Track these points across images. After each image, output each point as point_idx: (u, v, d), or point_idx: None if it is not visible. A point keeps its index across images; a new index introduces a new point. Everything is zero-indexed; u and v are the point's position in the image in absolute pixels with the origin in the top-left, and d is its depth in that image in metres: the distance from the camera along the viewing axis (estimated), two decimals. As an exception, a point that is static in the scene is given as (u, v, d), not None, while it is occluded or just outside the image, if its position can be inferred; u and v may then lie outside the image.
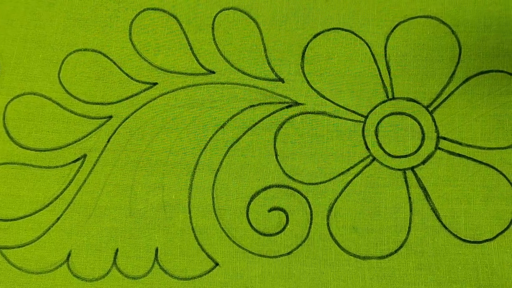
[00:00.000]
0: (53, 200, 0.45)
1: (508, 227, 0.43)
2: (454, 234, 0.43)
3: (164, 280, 0.43)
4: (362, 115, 0.45)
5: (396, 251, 0.43)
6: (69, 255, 0.44)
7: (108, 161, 0.45)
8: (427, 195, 0.44)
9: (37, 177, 0.45)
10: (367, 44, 0.46)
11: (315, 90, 0.46)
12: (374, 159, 0.44)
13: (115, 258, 0.44)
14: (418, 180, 0.44)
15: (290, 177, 0.44)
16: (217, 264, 0.44)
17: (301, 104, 0.45)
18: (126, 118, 0.46)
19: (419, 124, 0.45)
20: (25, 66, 0.47)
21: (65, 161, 0.45)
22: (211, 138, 0.45)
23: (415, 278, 0.43)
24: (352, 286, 0.43)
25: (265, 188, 0.44)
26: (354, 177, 0.44)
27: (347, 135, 0.45)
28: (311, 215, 0.44)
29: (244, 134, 0.45)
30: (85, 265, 0.44)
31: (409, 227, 0.43)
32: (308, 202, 0.44)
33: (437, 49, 0.46)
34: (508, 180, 0.43)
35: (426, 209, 0.43)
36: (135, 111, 0.46)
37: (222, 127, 0.45)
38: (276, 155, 0.45)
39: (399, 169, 0.44)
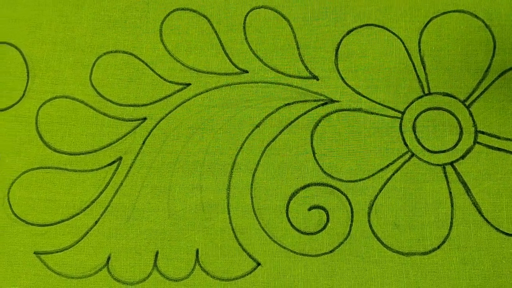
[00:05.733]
0: (90, 204, 0.44)
1: (549, 219, 0.43)
2: (496, 228, 0.43)
3: (206, 281, 0.43)
4: (399, 111, 0.45)
5: (439, 247, 0.43)
6: (108, 258, 0.44)
7: (144, 163, 0.45)
8: (467, 190, 0.43)
9: (72, 181, 0.45)
10: (400, 39, 0.46)
11: (350, 87, 0.45)
12: (413, 155, 0.44)
13: (155, 260, 0.43)
14: (458, 175, 0.44)
15: (329, 175, 0.44)
16: (259, 264, 0.43)
17: (336, 101, 0.45)
18: (161, 120, 0.45)
19: (457, 118, 0.44)
20: (56, 70, 0.47)
21: (100, 164, 0.45)
22: (247, 137, 0.45)
23: (460, 273, 0.43)
24: (396, 283, 0.43)
25: (304, 187, 0.44)
26: (393, 174, 0.44)
27: (384, 132, 0.45)
28: (352, 212, 0.44)
29: (280, 133, 0.45)
30: (125, 268, 0.43)
31: (451, 222, 0.43)
32: (348, 200, 0.44)
33: (471, 43, 0.46)
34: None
35: (467, 204, 0.43)
36: (169, 112, 0.46)
37: (257, 126, 0.45)
38: (314, 153, 0.45)
39: (438, 165, 0.44)
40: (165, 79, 0.46)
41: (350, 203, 0.44)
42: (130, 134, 0.45)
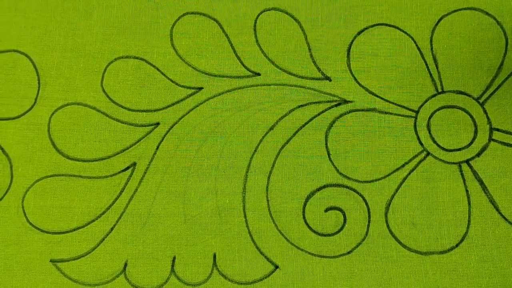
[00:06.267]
0: (106, 210, 0.44)
1: None
2: (514, 225, 0.43)
3: (224, 285, 0.43)
4: (413, 110, 0.45)
5: (457, 245, 0.43)
6: (125, 265, 0.43)
7: (158, 168, 0.45)
8: (484, 188, 0.43)
9: (87, 188, 0.45)
10: (412, 38, 0.46)
11: (363, 87, 0.45)
12: (428, 153, 0.44)
13: (172, 265, 0.43)
14: (474, 173, 0.44)
15: (344, 176, 0.44)
16: (277, 267, 0.43)
17: (350, 101, 0.45)
18: (174, 124, 0.45)
19: (471, 116, 0.44)
20: (66, 76, 0.46)
21: (114, 170, 0.45)
22: (261, 140, 0.45)
23: (479, 271, 0.42)
24: (415, 282, 0.42)
25: (320, 188, 0.44)
26: (409, 173, 0.44)
27: (399, 131, 0.44)
28: (369, 213, 0.43)
29: (294, 134, 0.45)
30: (142, 274, 0.43)
31: (469, 220, 0.43)
32: (365, 200, 0.44)
33: (483, 40, 0.46)
34: None
35: (484, 202, 0.43)
36: (182, 117, 0.45)
37: (271, 129, 0.45)
38: (329, 155, 0.44)
39: (454, 163, 0.44)
40: (177, 84, 0.46)
41: (366, 204, 0.43)
42: (143, 140, 0.45)
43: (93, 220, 0.44)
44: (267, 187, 0.44)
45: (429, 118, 0.44)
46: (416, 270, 0.43)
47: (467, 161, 0.44)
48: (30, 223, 0.44)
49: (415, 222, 0.43)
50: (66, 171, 0.45)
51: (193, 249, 0.43)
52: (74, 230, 0.44)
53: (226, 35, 0.47)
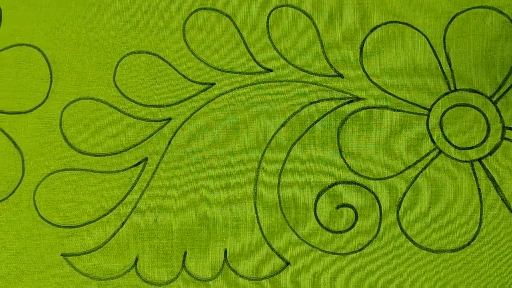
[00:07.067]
0: (117, 205, 0.44)
1: None
2: (526, 224, 0.43)
3: (235, 281, 0.43)
4: (425, 108, 0.45)
5: (469, 244, 0.43)
6: (136, 259, 0.43)
7: (170, 164, 0.45)
8: (496, 186, 0.43)
9: (98, 182, 0.45)
10: (425, 36, 0.46)
11: (375, 84, 0.45)
12: (440, 151, 0.44)
13: (183, 261, 0.43)
14: (486, 171, 0.44)
15: (356, 173, 0.44)
16: (288, 263, 0.43)
17: (362, 99, 0.45)
18: (186, 120, 0.45)
19: (484, 115, 0.44)
20: (79, 71, 0.46)
21: (126, 165, 0.45)
22: (272, 136, 0.45)
23: (490, 269, 0.42)
24: (427, 280, 0.42)
25: (331, 185, 0.44)
26: (421, 171, 0.44)
27: (411, 129, 0.44)
28: (380, 210, 0.43)
29: (306, 131, 0.45)
30: (153, 269, 0.43)
31: (480, 219, 0.43)
32: (377, 198, 0.44)
33: (496, 39, 0.45)
34: None
35: (496, 200, 0.43)
36: (194, 112, 0.45)
37: (283, 125, 0.45)
38: (341, 152, 0.44)
39: (466, 161, 0.44)
40: (189, 79, 0.46)
41: (378, 201, 0.43)
42: (155, 135, 0.45)
43: (105, 215, 0.44)
44: (278, 183, 0.44)
45: (442, 116, 0.44)
46: (427, 268, 0.43)
47: (479, 160, 0.44)
48: (42, 217, 0.44)
49: (427, 220, 0.43)
50: (77, 165, 0.45)
51: (204, 244, 0.43)
52: (85, 224, 0.44)
53: (239, 31, 0.47)
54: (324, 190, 0.44)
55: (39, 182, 0.45)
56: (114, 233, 0.44)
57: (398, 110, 0.45)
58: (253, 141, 0.45)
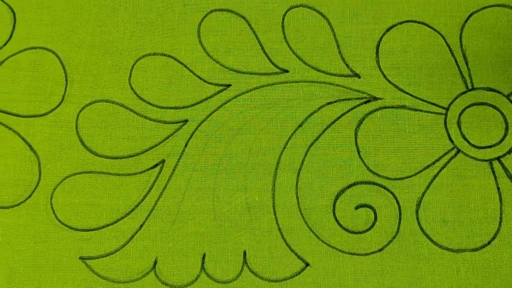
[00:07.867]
0: (135, 208, 0.44)
1: None
2: (547, 223, 0.42)
3: (255, 283, 0.43)
4: (443, 107, 0.44)
5: (489, 243, 0.43)
6: (155, 262, 0.43)
7: (187, 166, 0.45)
8: (516, 185, 0.43)
9: (116, 185, 0.44)
10: (441, 35, 0.46)
11: (392, 84, 0.45)
12: (459, 151, 0.44)
13: (203, 263, 0.43)
14: (506, 170, 0.43)
15: (374, 173, 0.44)
16: (307, 264, 0.43)
17: (379, 98, 0.45)
18: (202, 122, 0.45)
19: (501, 113, 0.44)
20: (94, 74, 0.46)
21: (143, 167, 0.45)
22: (290, 137, 0.45)
23: (511, 269, 0.42)
24: (447, 280, 0.42)
25: (350, 186, 0.44)
26: (440, 170, 0.44)
27: (429, 128, 0.44)
28: (400, 210, 0.43)
29: (323, 132, 0.45)
30: (172, 271, 0.43)
31: (501, 218, 0.43)
32: (396, 198, 0.43)
33: (513, 37, 0.45)
34: None
35: (516, 199, 0.43)
36: (210, 114, 0.45)
37: (300, 126, 0.45)
38: (359, 152, 0.44)
39: (485, 160, 0.44)
40: (205, 81, 0.46)
41: (397, 201, 0.43)
42: (172, 137, 0.45)
43: (122, 217, 0.44)
44: (296, 184, 0.44)
45: (459, 115, 0.44)
46: (447, 268, 0.43)
47: (498, 158, 0.44)
48: (59, 220, 0.44)
49: (446, 220, 0.43)
50: (94, 168, 0.45)
51: (223, 246, 0.43)
52: (103, 227, 0.44)
53: (254, 32, 0.47)
54: (342, 191, 0.44)
55: (56, 186, 0.45)
56: (133, 236, 0.44)
57: (416, 110, 0.45)
58: (270, 142, 0.45)
